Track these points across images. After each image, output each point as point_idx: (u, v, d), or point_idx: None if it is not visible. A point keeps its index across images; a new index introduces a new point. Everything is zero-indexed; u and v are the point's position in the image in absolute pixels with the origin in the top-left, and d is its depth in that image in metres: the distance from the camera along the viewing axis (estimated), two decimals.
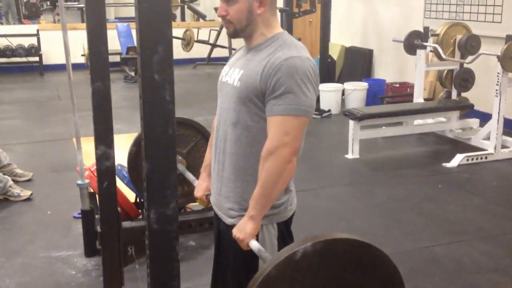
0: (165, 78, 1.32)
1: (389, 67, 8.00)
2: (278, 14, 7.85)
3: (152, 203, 1.37)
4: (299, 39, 8.43)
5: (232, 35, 1.85)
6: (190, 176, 2.49)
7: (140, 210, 3.52)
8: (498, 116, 5.18)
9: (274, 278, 1.28)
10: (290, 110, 1.70)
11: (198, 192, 2.13)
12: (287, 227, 1.93)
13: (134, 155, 2.88)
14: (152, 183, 1.36)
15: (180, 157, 2.76)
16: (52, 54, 10.43)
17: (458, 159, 5.08)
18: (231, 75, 1.85)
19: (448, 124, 5.87)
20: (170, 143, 1.36)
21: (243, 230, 1.77)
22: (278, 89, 1.70)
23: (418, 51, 6.02)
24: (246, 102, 1.77)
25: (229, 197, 1.87)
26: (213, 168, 1.95)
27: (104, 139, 2.37)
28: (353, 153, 5.34)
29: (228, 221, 1.89)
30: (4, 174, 4.38)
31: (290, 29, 8.55)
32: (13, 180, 4.41)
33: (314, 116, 6.86)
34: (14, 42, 10.12)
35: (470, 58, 5.61)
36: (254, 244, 1.76)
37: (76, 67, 3.21)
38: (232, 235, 1.80)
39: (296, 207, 1.99)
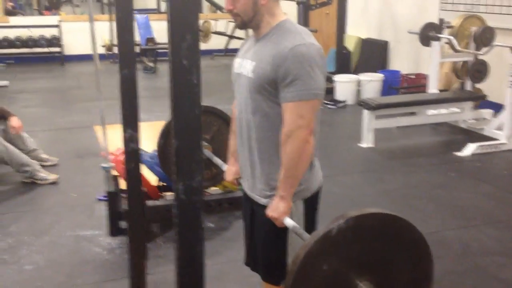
0: (192, 64, 1.46)
1: (404, 59, 8.07)
2: (295, 6, 7.97)
3: (181, 176, 1.52)
4: (316, 31, 8.55)
5: (241, 26, 1.98)
6: (217, 160, 2.64)
7: (161, 193, 3.69)
8: (511, 106, 5.26)
9: (315, 253, 1.44)
10: (302, 95, 1.82)
11: (228, 176, 2.31)
12: (313, 202, 2.07)
13: (162, 147, 3.06)
14: (180, 158, 1.52)
15: (205, 143, 2.91)
16: (73, 44, 10.66)
17: (470, 149, 5.18)
18: (245, 67, 1.97)
19: (462, 114, 5.97)
20: (196, 122, 1.51)
21: (277, 209, 1.93)
22: (287, 77, 1.83)
23: (433, 43, 6.11)
24: (261, 91, 1.90)
25: (261, 179, 2.02)
26: (242, 154, 2.09)
27: (130, 123, 2.52)
28: (367, 142, 5.47)
29: (262, 201, 2.03)
30: (31, 159, 4.57)
31: (306, 21, 8.65)
32: (39, 165, 4.60)
33: (330, 106, 7.00)
34: (36, 33, 10.35)
35: (484, 49, 5.69)
36: (289, 222, 1.92)
37: None
38: (266, 215, 1.96)
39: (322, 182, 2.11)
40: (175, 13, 1.41)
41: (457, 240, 3.52)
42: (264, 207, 2.01)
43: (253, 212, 2.12)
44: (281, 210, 1.92)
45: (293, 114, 1.84)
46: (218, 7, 11.80)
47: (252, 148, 2.02)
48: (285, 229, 1.99)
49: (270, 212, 1.95)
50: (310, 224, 2.07)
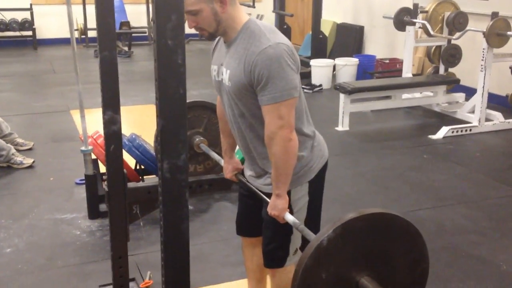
0: (177, 44, 1.49)
1: (379, 43, 8.16)
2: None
3: (165, 155, 1.55)
4: (291, 15, 8.57)
5: (210, 38, 2.01)
6: (215, 155, 2.69)
7: (140, 177, 3.70)
8: (483, 90, 5.38)
9: (311, 266, 1.51)
10: (276, 97, 1.86)
11: (227, 174, 2.36)
12: (318, 182, 2.13)
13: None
14: (166, 137, 1.54)
15: (200, 137, 2.95)
16: (45, 28, 10.50)
17: (443, 131, 5.30)
18: (223, 75, 2.00)
19: (435, 98, 6.08)
20: (181, 102, 1.53)
21: (276, 207, 2.00)
22: (260, 81, 1.86)
23: (408, 28, 6.19)
24: (243, 96, 1.95)
25: (261, 174, 2.12)
26: (242, 150, 2.16)
27: (111, 105, 2.52)
28: (343, 126, 5.55)
29: (264, 188, 2.12)
30: (6, 143, 4.53)
31: (282, 6, 8.68)
32: (15, 149, 4.56)
33: (306, 90, 7.05)
34: (7, 16, 10.15)
35: (457, 34, 5.80)
36: (289, 218, 1.99)
37: (69, 41, 3.33)
38: (268, 212, 2.04)
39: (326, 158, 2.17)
40: None
41: (431, 220, 3.62)
42: (269, 194, 2.08)
43: (257, 198, 2.19)
44: (279, 207, 2.00)
45: (272, 116, 1.89)
46: None
47: (247, 147, 2.09)
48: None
49: (271, 211, 2.02)
50: (314, 206, 2.15)
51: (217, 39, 2.08)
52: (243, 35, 1.93)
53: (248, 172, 2.22)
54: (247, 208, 2.33)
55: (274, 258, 2.18)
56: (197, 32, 2.03)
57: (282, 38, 1.91)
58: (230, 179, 2.38)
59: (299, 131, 2.02)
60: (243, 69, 1.89)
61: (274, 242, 2.13)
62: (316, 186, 2.14)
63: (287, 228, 2.06)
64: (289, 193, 2.05)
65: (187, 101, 3.03)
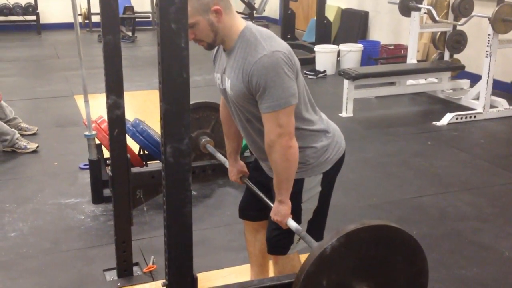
0: (180, 27, 1.48)
1: (384, 29, 8.11)
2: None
3: (168, 139, 1.55)
4: (296, 1, 8.52)
5: (209, 48, 2.01)
6: (221, 157, 2.70)
7: (144, 162, 3.70)
8: (488, 77, 5.35)
9: (313, 273, 1.54)
10: (274, 106, 1.86)
11: (231, 177, 2.39)
12: (332, 174, 2.15)
13: None
14: (169, 121, 1.54)
15: (207, 138, 2.97)
16: (49, 12, 10.47)
17: (448, 118, 5.28)
18: (225, 83, 2.01)
19: (440, 84, 6.05)
20: (184, 85, 1.53)
21: (278, 213, 2.02)
22: (258, 90, 1.87)
23: (413, 13, 6.14)
24: (246, 103, 1.96)
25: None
26: (251, 147, 2.18)
27: (114, 89, 2.52)
28: (347, 112, 5.53)
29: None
30: (11, 128, 4.54)
31: None
32: (19, 134, 4.57)
33: (310, 76, 7.03)
34: (11, 1, 10.12)
35: (463, 20, 5.75)
36: (292, 224, 2.01)
37: (73, 26, 3.32)
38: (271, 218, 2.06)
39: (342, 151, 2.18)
40: None
41: (434, 206, 3.62)
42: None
43: (264, 185, 2.21)
44: (282, 213, 2.02)
45: (271, 124, 1.90)
46: None
47: (257, 148, 2.11)
48: (298, 209, 2.09)
49: (274, 216, 2.04)
50: (325, 197, 2.17)
51: (216, 47, 2.08)
52: (240, 44, 1.93)
53: (263, 165, 2.23)
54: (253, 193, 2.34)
55: (277, 245, 2.19)
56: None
57: (278, 45, 1.89)
58: (235, 181, 2.41)
59: (305, 120, 2.03)
60: (242, 79, 1.90)
61: (279, 229, 2.14)
62: (331, 178, 2.15)
63: (294, 218, 2.07)
64: (302, 181, 2.07)
65: (197, 101, 3.07)
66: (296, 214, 2.09)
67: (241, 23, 1.95)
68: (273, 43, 1.89)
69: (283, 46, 1.91)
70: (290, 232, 2.11)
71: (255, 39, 1.90)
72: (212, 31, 1.92)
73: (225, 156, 2.52)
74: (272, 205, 2.08)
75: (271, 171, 2.11)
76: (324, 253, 1.54)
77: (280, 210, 2.02)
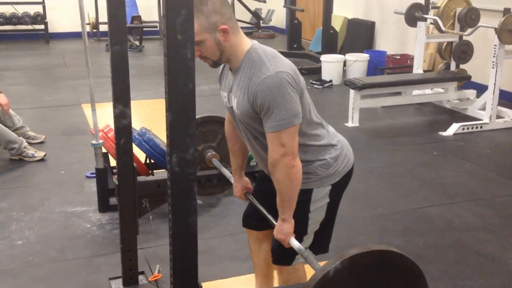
0: (186, 38, 1.50)
1: (390, 39, 8.13)
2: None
3: (174, 149, 1.56)
4: (302, 10, 8.56)
5: (214, 66, 2.03)
6: (226, 172, 2.71)
7: (150, 171, 3.72)
8: (494, 87, 5.35)
9: None
10: (278, 126, 1.88)
11: (236, 193, 2.40)
12: (341, 186, 2.16)
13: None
14: (174, 131, 1.55)
15: (213, 151, 2.99)
16: (57, 22, 10.57)
17: (454, 128, 5.28)
18: (232, 102, 2.03)
19: (446, 94, 6.05)
20: (190, 96, 1.54)
21: (281, 231, 2.03)
22: (262, 110, 1.89)
23: (419, 23, 6.16)
24: (252, 122, 1.99)
25: None
26: (261, 165, 2.21)
27: (121, 99, 2.54)
28: (353, 121, 5.54)
29: None
30: (18, 136, 4.57)
31: (293, 1, 8.68)
32: (26, 142, 4.60)
33: (316, 86, 7.05)
34: (20, 10, 10.22)
35: (469, 30, 5.76)
36: (294, 243, 2.01)
37: (81, 35, 3.35)
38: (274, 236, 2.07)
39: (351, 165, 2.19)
40: None
41: (440, 216, 3.61)
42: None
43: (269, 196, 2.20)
44: (285, 231, 2.02)
45: (274, 143, 1.92)
46: None
47: (264, 161, 2.11)
48: (305, 219, 2.11)
49: (277, 235, 2.05)
50: (332, 209, 2.18)
51: (222, 65, 2.10)
52: (246, 64, 1.95)
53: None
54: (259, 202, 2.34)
55: (282, 256, 2.19)
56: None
57: (283, 65, 1.91)
58: (239, 198, 2.43)
59: (311, 136, 2.05)
60: (247, 99, 1.92)
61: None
62: (339, 190, 2.16)
63: (300, 227, 2.08)
64: (311, 191, 2.08)
65: (204, 115, 3.09)
66: (303, 224, 2.09)
67: (247, 43, 1.97)
68: (278, 63, 1.90)
69: (288, 66, 1.92)
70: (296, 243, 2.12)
71: (260, 59, 1.92)
72: (219, 50, 1.94)
73: (230, 171, 2.54)
74: (275, 222, 2.09)
75: None
76: (327, 275, 1.54)
77: (284, 229, 2.03)
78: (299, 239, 2.12)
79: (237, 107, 1.99)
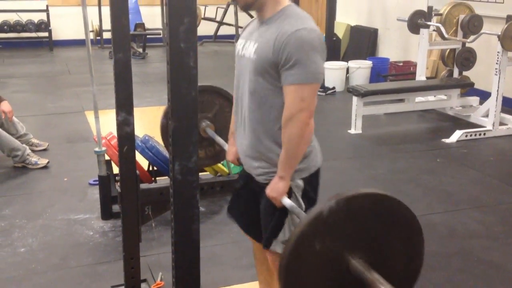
0: (189, 47, 1.51)
1: (393, 46, 8.13)
2: None
3: (177, 157, 1.57)
4: None
5: (244, 8, 2.02)
6: (220, 140, 2.66)
7: (153, 178, 3.72)
8: (497, 94, 5.35)
9: (308, 234, 1.49)
10: (303, 78, 1.87)
11: (229, 156, 2.36)
12: (311, 182, 2.12)
13: (166, 126, 3.07)
14: (177, 139, 1.56)
15: (208, 122, 2.92)
16: (61, 29, 10.62)
17: (457, 135, 5.27)
18: (247, 49, 2.02)
19: (449, 101, 6.05)
20: (193, 104, 1.55)
21: (275, 189, 1.99)
22: (289, 61, 1.87)
23: (422, 30, 6.17)
24: (262, 72, 1.95)
25: (255, 158, 2.08)
26: (238, 133, 2.15)
27: (124, 106, 2.54)
28: (356, 129, 5.53)
29: (258, 178, 2.10)
30: (22, 143, 4.58)
31: None
32: (30, 149, 4.61)
33: (319, 93, 7.03)
34: (24, 17, 10.27)
35: (472, 37, 5.76)
36: (287, 201, 1.97)
37: (85, 42, 3.36)
38: (266, 194, 2.01)
39: (321, 163, 2.16)
40: None
41: (443, 224, 3.60)
42: (259, 184, 2.08)
43: (250, 187, 2.19)
44: (280, 190, 1.98)
45: (294, 96, 1.89)
46: None
47: (246, 127, 2.08)
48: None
49: (270, 192, 2.00)
50: (309, 205, 2.13)
51: (251, 20, 2.10)
52: (280, 15, 1.95)
53: (242, 160, 2.18)
54: (246, 206, 2.30)
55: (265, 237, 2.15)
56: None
57: (317, 27, 1.94)
58: (231, 162, 2.37)
59: None
60: (273, 45, 1.90)
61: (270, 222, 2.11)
62: (310, 189, 2.11)
63: (283, 215, 2.05)
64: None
65: (202, 84, 3.03)
66: (283, 212, 2.05)
67: (286, 1, 1.99)
68: (314, 25, 1.92)
69: (320, 32, 1.94)
70: (277, 227, 2.08)
71: (297, 15, 1.94)
72: None
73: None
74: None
75: (260, 170, 2.07)
76: (321, 214, 1.48)
77: (279, 187, 1.98)
78: (280, 224, 2.07)
79: (255, 51, 1.96)
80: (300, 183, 2.07)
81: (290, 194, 2.03)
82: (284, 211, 2.04)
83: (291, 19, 1.91)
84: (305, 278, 1.53)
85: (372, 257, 1.56)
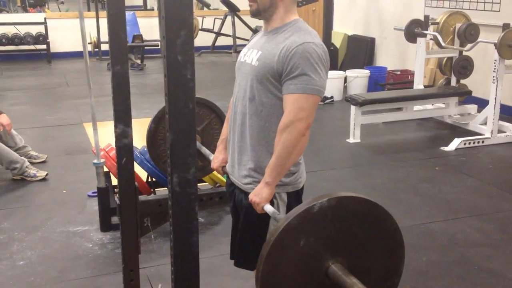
0: (186, 59, 1.51)
1: (390, 55, 8.16)
2: None
3: (175, 169, 1.56)
4: None
5: (254, 14, 2.05)
6: (205, 151, 2.67)
7: (151, 189, 3.72)
8: (495, 102, 5.36)
9: (294, 226, 1.49)
10: (306, 89, 1.90)
11: (214, 164, 2.34)
12: (296, 198, 2.12)
13: (153, 131, 3.09)
14: (175, 151, 1.56)
15: (195, 134, 2.93)
16: (59, 42, 10.64)
17: (455, 143, 5.27)
18: (250, 56, 2.05)
19: (447, 110, 6.06)
20: (190, 116, 1.55)
21: (259, 194, 1.98)
22: (294, 71, 1.90)
23: (419, 39, 6.19)
24: (263, 80, 1.97)
25: (246, 166, 2.08)
26: (231, 140, 2.15)
27: (123, 118, 2.55)
28: (354, 138, 5.54)
29: (245, 187, 2.10)
30: (20, 156, 4.58)
31: None
32: (28, 162, 4.61)
33: None
34: (22, 30, 10.29)
35: (469, 46, 5.79)
36: (269, 208, 1.96)
37: (83, 54, 3.37)
38: (249, 199, 2.01)
39: (305, 181, 2.17)
40: (170, 9, 1.45)
41: (443, 232, 3.60)
42: (246, 193, 2.07)
43: (235, 200, 2.18)
44: (263, 196, 1.97)
45: (294, 105, 1.91)
46: (205, 5, 11.81)
47: (241, 134, 2.08)
48: (266, 218, 2.04)
49: (253, 197, 1.99)
50: None
51: (255, 34, 2.13)
52: (288, 28, 1.99)
53: (230, 168, 2.19)
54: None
55: (244, 256, 2.17)
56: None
57: (323, 44, 1.98)
58: (215, 170, 2.36)
59: None
60: (279, 54, 1.93)
61: (247, 243, 2.14)
62: (293, 204, 2.07)
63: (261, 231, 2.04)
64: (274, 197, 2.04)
65: (198, 96, 3.04)
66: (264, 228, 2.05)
67: (296, 15, 2.04)
68: (321, 41, 1.97)
69: (326, 50, 1.99)
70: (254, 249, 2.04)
71: (306, 29, 1.99)
72: (270, 1, 1.98)
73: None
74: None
75: (249, 179, 2.07)
76: (311, 209, 1.48)
77: (262, 193, 1.97)
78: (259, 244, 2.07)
79: (258, 59, 1.99)
80: (285, 197, 2.08)
81: (272, 203, 2.03)
82: (264, 233, 2.04)
83: (300, 32, 1.95)
84: (283, 271, 1.52)
85: (352, 262, 1.57)
